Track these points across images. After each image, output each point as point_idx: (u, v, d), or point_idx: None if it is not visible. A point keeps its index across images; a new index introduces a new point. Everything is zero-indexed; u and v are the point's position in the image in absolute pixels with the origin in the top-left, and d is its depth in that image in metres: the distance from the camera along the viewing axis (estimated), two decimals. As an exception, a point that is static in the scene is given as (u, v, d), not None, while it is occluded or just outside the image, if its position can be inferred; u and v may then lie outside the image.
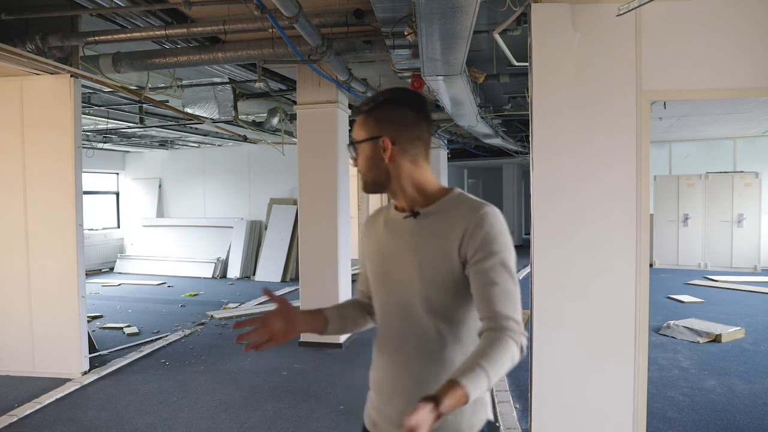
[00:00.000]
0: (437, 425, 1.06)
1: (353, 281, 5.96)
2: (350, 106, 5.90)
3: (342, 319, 1.53)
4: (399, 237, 1.36)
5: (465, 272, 1.26)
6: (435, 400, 1.05)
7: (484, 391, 1.13)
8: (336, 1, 3.94)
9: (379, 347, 1.41)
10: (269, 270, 9.44)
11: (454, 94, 4.79)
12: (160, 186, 11.30)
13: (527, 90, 3.18)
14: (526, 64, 3.00)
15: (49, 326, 4.45)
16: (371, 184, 1.37)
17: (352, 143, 1.36)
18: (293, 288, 8.40)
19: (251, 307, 7.19)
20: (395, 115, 1.33)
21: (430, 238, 1.29)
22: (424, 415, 1.03)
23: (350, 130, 1.46)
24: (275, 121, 7.24)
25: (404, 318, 1.32)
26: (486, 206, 1.27)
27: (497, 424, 3.53)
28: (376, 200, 12.05)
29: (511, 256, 1.25)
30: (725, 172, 9.91)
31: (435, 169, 10.43)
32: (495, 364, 1.13)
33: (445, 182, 10.71)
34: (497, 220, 1.26)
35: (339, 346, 5.25)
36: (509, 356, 1.16)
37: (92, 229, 10.62)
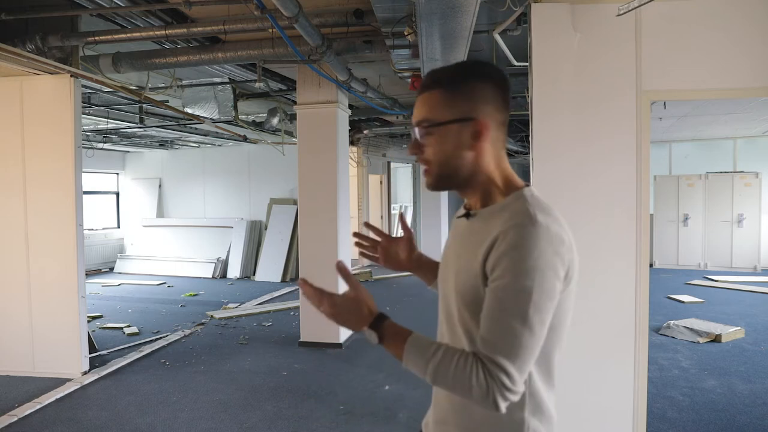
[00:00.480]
0: None
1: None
2: (350, 106, 5.90)
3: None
4: (454, 239, 1.20)
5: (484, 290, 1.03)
6: (379, 320, 1.06)
7: (418, 370, 1.02)
8: (336, 1, 3.94)
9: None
10: (269, 270, 9.44)
11: (454, 94, 4.79)
12: (160, 186, 11.31)
13: (527, 90, 3.18)
14: (526, 64, 3.00)
15: (50, 326, 4.45)
16: (444, 179, 1.12)
17: (429, 124, 1.09)
18: (293, 288, 8.40)
19: (251, 307, 7.19)
20: (490, 94, 1.08)
21: (469, 247, 1.08)
22: (349, 315, 1.07)
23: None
24: (275, 121, 7.25)
25: (447, 327, 1.16)
26: (531, 222, 0.99)
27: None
28: (376, 202, 12.06)
29: (533, 290, 0.95)
30: (725, 172, 9.92)
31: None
32: (443, 367, 0.98)
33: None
34: (535, 239, 0.97)
35: (339, 346, 5.26)
36: (465, 382, 0.95)
37: (92, 229, 10.62)
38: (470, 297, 1.05)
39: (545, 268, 0.96)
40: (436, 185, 1.13)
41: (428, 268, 1.39)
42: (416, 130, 1.11)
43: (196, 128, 8.21)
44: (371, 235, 1.44)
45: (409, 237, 1.37)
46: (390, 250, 1.36)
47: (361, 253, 1.40)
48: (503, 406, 0.94)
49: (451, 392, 1.01)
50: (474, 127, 1.07)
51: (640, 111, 2.82)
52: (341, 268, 1.15)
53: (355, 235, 1.38)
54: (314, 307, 1.11)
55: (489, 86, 1.09)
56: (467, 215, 1.15)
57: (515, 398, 0.95)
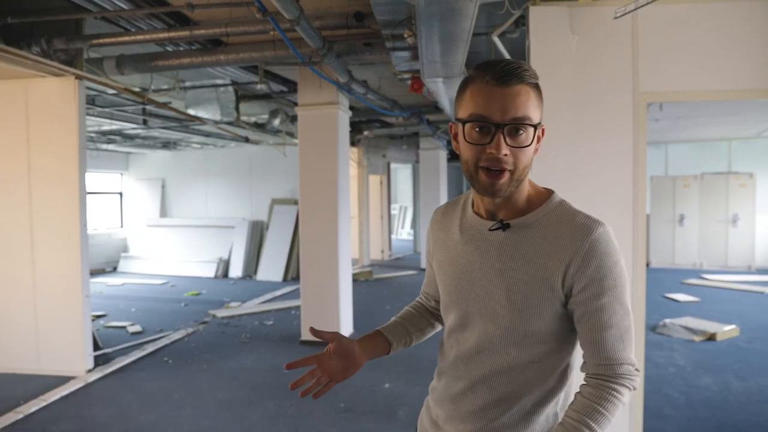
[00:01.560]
0: None
1: (354, 281, 6.01)
2: (351, 107, 5.95)
3: (407, 335, 1.34)
4: (482, 251, 1.11)
5: (568, 306, 1.05)
6: None
7: None
8: (337, 4, 3.98)
9: (444, 367, 1.23)
10: (270, 269, 9.48)
11: (454, 96, 4.83)
12: (163, 186, 11.35)
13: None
14: (524, 66, 3.04)
15: (54, 325, 4.50)
16: (518, 182, 1.05)
17: (530, 124, 1.01)
18: (294, 287, 8.45)
19: (253, 306, 7.23)
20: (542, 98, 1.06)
21: (523, 259, 1.06)
22: None
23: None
24: (276, 122, 7.29)
25: (480, 343, 1.13)
26: (598, 227, 1.03)
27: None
28: (376, 202, 12.10)
29: (626, 288, 1.04)
30: (720, 173, 9.97)
31: (435, 169, 10.49)
32: (603, 421, 0.99)
33: (444, 183, 10.75)
34: (611, 246, 1.02)
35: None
36: (619, 405, 1.01)
37: (96, 229, 10.67)
38: (536, 310, 1.05)
39: (621, 262, 1.04)
40: (509, 190, 1.05)
41: (376, 346, 1.30)
42: (508, 127, 1.00)
43: (198, 129, 8.25)
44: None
45: (337, 339, 1.21)
46: (332, 365, 1.20)
47: (306, 394, 1.21)
48: (636, 387, 1.05)
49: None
50: (540, 133, 1.06)
51: (637, 112, 2.86)
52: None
53: (295, 386, 1.19)
54: None
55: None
56: (504, 227, 1.09)
57: (639, 376, 1.06)
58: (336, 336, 1.21)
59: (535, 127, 1.02)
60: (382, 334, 1.31)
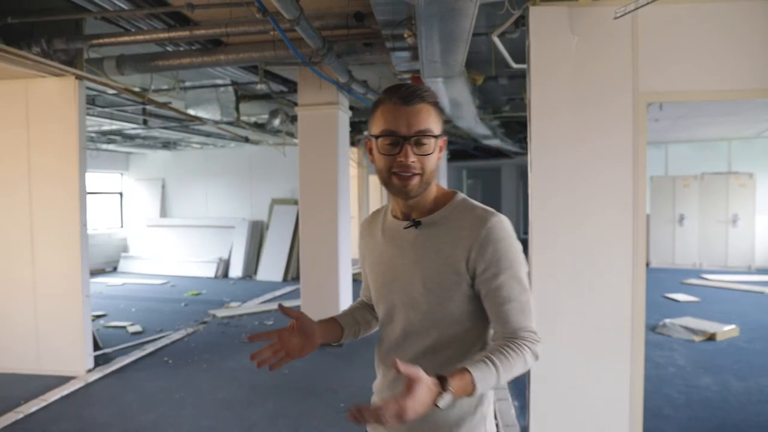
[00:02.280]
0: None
1: (354, 280, 6.01)
2: (351, 107, 5.95)
3: (356, 324, 1.49)
4: (399, 248, 1.29)
5: (474, 286, 1.22)
6: (441, 379, 1.02)
7: (491, 386, 1.11)
8: (337, 4, 3.98)
9: (380, 356, 1.38)
10: (270, 269, 9.49)
11: (454, 96, 4.84)
12: (163, 186, 11.35)
13: (525, 91, 3.23)
14: (525, 66, 3.05)
15: (54, 325, 4.50)
16: (427, 185, 1.23)
17: (432, 135, 1.20)
18: (294, 287, 8.45)
19: (253, 306, 7.24)
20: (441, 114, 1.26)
21: (434, 251, 1.23)
22: (423, 397, 0.98)
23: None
24: (276, 122, 7.29)
25: (406, 329, 1.28)
26: (493, 216, 1.21)
27: (496, 422, 3.58)
28: (376, 202, 12.10)
29: (522, 266, 1.21)
30: (720, 173, 9.96)
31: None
32: (506, 363, 1.12)
33: (444, 183, 10.76)
34: (505, 231, 1.20)
35: (340, 345, 5.27)
36: (522, 360, 1.15)
37: (96, 229, 10.67)
38: (447, 294, 1.22)
39: (517, 246, 1.22)
40: (419, 192, 1.22)
41: (331, 331, 1.41)
42: (414, 139, 1.18)
43: (198, 129, 8.25)
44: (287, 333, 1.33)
45: (301, 318, 1.32)
46: (292, 342, 1.29)
47: (263, 365, 1.29)
48: (539, 354, 1.20)
49: (512, 377, 1.17)
50: (441, 143, 1.24)
51: (637, 112, 2.86)
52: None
53: (254, 357, 1.28)
54: (387, 423, 0.98)
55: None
56: (416, 225, 1.26)
57: (540, 344, 1.21)
58: (301, 315, 1.33)
59: (436, 137, 1.20)
60: (336, 321, 1.45)
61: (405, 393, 0.98)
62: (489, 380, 1.09)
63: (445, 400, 1.02)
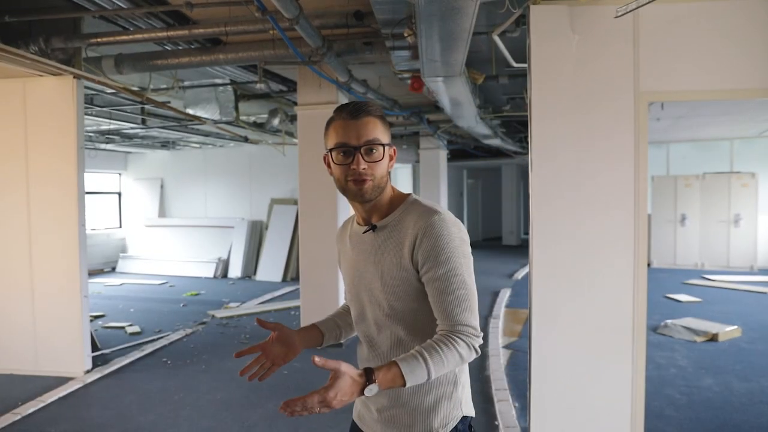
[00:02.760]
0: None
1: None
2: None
3: (336, 328, 1.58)
4: (362, 251, 1.41)
5: (420, 279, 1.30)
6: (368, 374, 1.14)
7: (422, 378, 1.19)
8: (336, 3, 3.97)
9: (360, 353, 1.49)
10: (270, 270, 9.47)
11: (454, 95, 4.82)
12: (161, 186, 11.34)
13: (526, 91, 3.21)
14: (525, 65, 3.03)
15: (52, 325, 4.48)
16: (377, 190, 1.34)
17: (379, 144, 1.32)
18: (293, 287, 8.43)
19: (252, 307, 7.22)
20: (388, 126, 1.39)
21: (387, 250, 1.34)
22: (347, 387, 1.12)
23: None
24: (276, 121, 7.28)
25: (376, 325, 1.39)
26: (435, 214, 1.29)
27: (496, 423, 3.56)
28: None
29: (462, 262, 1.27)
30: (722, 173, 9.95)
31: (435, 169, 10.47)
32: (437, 357, 1.20)
33: (444, 183, 10.75)
34: (445, 228, 1.27)
35: (339, 345, 5.27)
36: (456, 354, 1.23)
37: (94, 229, 10.66)
38: (402, 289, 1.32)
39: (459, 242, 1.28)
40: (372, 195, 1.33)
41: (311, 337, 1.52)
42: (364, 148, 1.30)
43: (197, 129, 8.23)
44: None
45: (279, 329, 1.42)
46: (275, 352, 1.40)
47: (253, 378, 1.41)
48: (479, 348, 1.28)
49: (446, 371, 1.25)
50: (391, 152, 1.36)
51: (638, 112, 2.85)
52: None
53: (243, 372, 1.39)
54: (315, 411, 1.15)
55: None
56: (372, 229, 1.37)
57: (481, 340, 1.29)
58: (278, 326, 1.43)
59: (384, 146, 1.32)
60: (316, 327, 1.55)
61: (327, 385, 1.12)
62: (418, 373, 1.18)
63: (371, 390, 1.14)
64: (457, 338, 1.24)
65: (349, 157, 1.30)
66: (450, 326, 1.25)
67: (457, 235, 1.29)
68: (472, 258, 1.33)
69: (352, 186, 1.31)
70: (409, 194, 1.40)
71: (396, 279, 1.32)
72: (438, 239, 1.26)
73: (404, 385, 1.17)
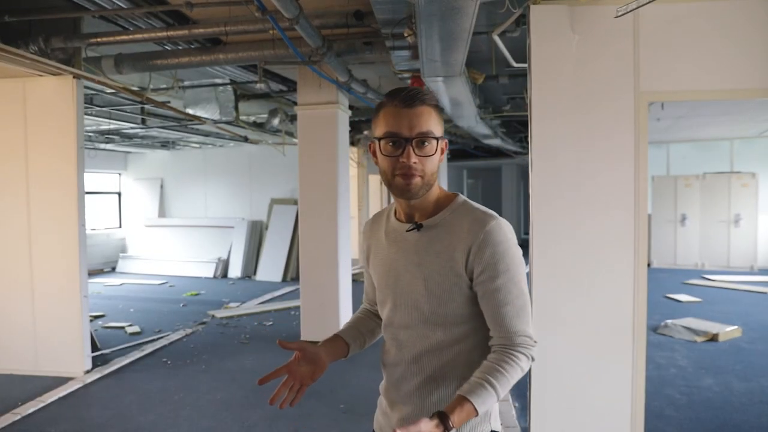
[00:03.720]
0: None
1: (354, 281, 5.99)
2: (351, 107, 5.93)
3: (361, 336, 1.49)
4: (402, 250, 1.30)
5: (473, 288, 1.23)
6: (442, 416, 1.07)
7: (492, 404, 1.16)
8: (336, 3, 3.97)
9: (385, 356, 1.39)
10: (270, 270, 9.47)
11: (454, 95, 4.82)
12: (161, 186, 11.33)
13: (526, 91, 3.21)
14: (525, 65, 3.03)
15: (52, 325, 4.48)
16: (427, 186, 1.24)
17: (432, 137, 1.21)
18: (293, 287, 8.43)
19: (252, 307, 7.22)
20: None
21: (434, 252, 1.25)
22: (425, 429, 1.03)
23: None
24: (276, 121, 7.28)
25: (409, 329, 1.30)
26: (492, 219, 1.22)
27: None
28: (376, 202, 12.09)
29: (520, 270, 1.22)
30: (722, 173, 9.95)
31: (435, 169, 10.46)
32: (503, 379, 1.16)
33: (444, 183, 10.75)
34: (504, 235, 1.21)
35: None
36: (518, 369, 1.19)
37: (94, 229, 10.65)
38: (449, 295, 1.24)
39: (516, 249, 1.23)
40: (422, 191, 1.24)
41: (336, 349, 1.44)
42: (416, 140, 1.20)
43: (197, 129, 8.23)
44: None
45: (303, 347, 1.35)
46: (301, 372, 1.33)
47: (285, 404, 1.31)
48: (534, 357, 1.23)
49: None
50: (443, 145, 1.26)
51: (638, 112, 2.85)
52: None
53: (273, 400, 1.29)
54: None
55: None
56: (418, 228, 1.28)
57: (536, 348, 1.23)
58: (302, 345, 1.35)
59: (437, 139, 1.22)
60: (341, 338, 1.46)
61: None
62: (489, 401, 1.14)
63: None
64: (516, 352, 1.19)
65: (398, 149, 1.20)
66: (507, 338, 1.20)
67: (513, 241, 1.23)
68: (524, 262, 1.26)
69: (400, 181, 1.22)
70: (456, 194, 1.32)
71: (444, 284, 1.24)
72: (497, 246, 1.20)
73: (476, 415, 1.14)
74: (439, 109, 1.26)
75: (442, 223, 1.26)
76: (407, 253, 1.29)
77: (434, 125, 1.22)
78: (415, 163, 1.20)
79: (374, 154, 1.27)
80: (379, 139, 1.23)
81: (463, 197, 1.31)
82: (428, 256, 1.26)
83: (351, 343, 1.46)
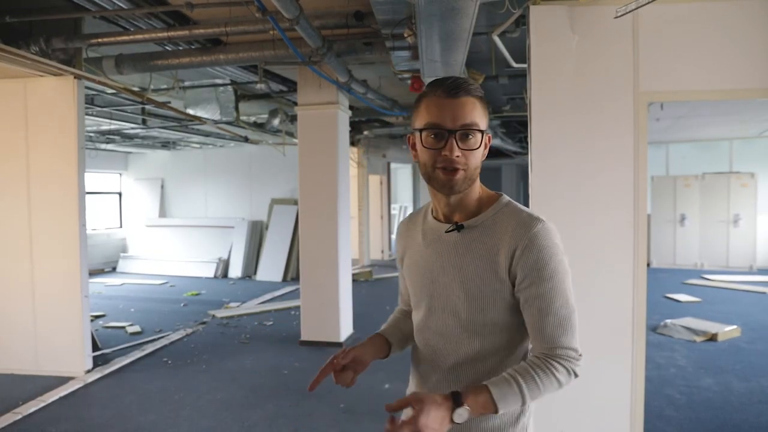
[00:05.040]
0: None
1: (354, 281, 6.00)
2: (351, 107, 5.94)
3: (404, 338, 1.43)
4: (440, 251, 1.23)
5: (515, 293, 1.16)
6: (456, 397, 1.03)
7: (514, 406, 1.08)
8: (336, 3, 3.97)
9: (417, 362, 1.33)
10: (270, 270, 9.47)
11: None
12: (162, 186, 11.34)
13: (526, 91, 3.21)
14: (525, 65, 3.03)
15: (53, 325, 4.48)
16: (469, 181, 1.17)
17: (477, 129, 1.15)
18: (294, 287, 8.44)
19: (252, 307, 7.22)
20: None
21: (476, 255, 1.18)
22: (436, 413, 1.00)
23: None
24: (276, 121, 7.28)
25: (445, 336, 1.23)
26: (538, 222, 1.15)
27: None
28: (376, 202, 12.09)
29: (565, 278, 1.14)
30: (721, 173, 9.96)
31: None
32: (533, 383, 1.08)
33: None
34: (550, 239, 1.14)
35: (339, 344, 5.29)
36: (554, 380, 1.10)
37: (95, 229, 10.66)
38: (490, 300, 1.17)
39: (562, 256, 1.15)
40: (463, 187, 1.17)
41: (378, 348, 1.38)
42: (459, 133, 1.13)
43: (198, 129, 8.24)
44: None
45: (350, 356, 1.30)
46: (344, 376, 1.31)
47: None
48: (578, 372, 1.13)
49: (543, 398, 1.12)
50: (487, 139, 1.19)
51: (638, 112, 2.85)
52: (391, 408, 1.12)
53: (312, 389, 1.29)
54: None
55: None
56: (458, 228, 1.20)
57: (582, 363, 1.14)
58: (347, 353, 1.29)
59: (482, 132, 1.15)
60: (383, 337, 1.40)
61: (415, 413, 1.00)
62: (511, 400, 1.07)
63: (461, 416, 1.02)
64: (555, 363, 1.10)
65: (440, 141, 1.14)
66: (548, 349, 1.12)
67: (560, 247, 1.15)
68: (570, 271, 1.17)
69: (441, 175, 1.15)
70: (501, 194, 1.25)
71: (485, 289, 1.16)
72: (542, 251, 1.12)
73: (496, 411, 1.05)
74: (485, 101, 1.19)
75: (485, 223, 1.19)
76: (446, 255, 1.22)
77: (479, 117, 1.15)
78: (458, 156, 1.13)
79: (413, 147, 1.21)
80: (421, 131, 1.17)
81: (507, 197, 1.24)
82: (469, 259, 1.18)
83: (393, 344, 1.40)
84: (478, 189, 1.22)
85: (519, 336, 1.20)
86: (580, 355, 1.14)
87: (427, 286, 1.25)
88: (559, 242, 1.16)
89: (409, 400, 1.04)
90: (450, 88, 1.14)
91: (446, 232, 1.22)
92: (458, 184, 1.15)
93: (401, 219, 17.34)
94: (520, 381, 1.07)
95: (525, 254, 1.12)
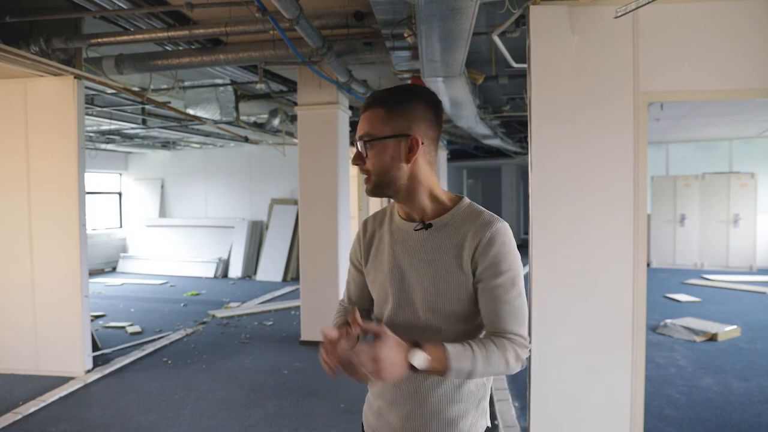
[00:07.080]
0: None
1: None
2: (351, 107, 5.94)
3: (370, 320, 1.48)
4: (409, 249, 1.31)
5: (474, 284, 1.25)
6: (416, 344, 1.09)
7: (465, 370, 1.12)
8: (336, 3, 3.97)
9: None
10: (270, 270, 9.48)
11: (454, 96, 4.82)
12: (162, 186, 11.34)
13: (526, 91, 3.21)
14: (525, 65, 3.04)
15: (53, 325, 4.48)
16: (382, 187, 1.28)
17: (370, 139, 1.25)
18: (294, 287, 8.44)
19: (252, 307, 7.23)
20: (423, 114, 1.27)
21: (444, 251, 1.27)
22: (397, 349, 1.06)
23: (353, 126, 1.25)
24: (276, 122, 7.28)
25: (411, 328, 1.29)
26: (498, 222, 1.25)
27: (496, 423, 3.57)
28: (376, 202, 12.10)
29: (519, 272, 1.25)
30: (721, 173, 9.96)
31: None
32: (484, 353, 1.14)
33: (444, 183, 10.77)
34: (507, 237, 1.24)
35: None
36: (503, 359, 1.17)
37: (95, 229, 10.66)
38: (455, 293, 1.26)
39: (516, 252, 1.26)
40: (374, 192, 1.29)
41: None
42: (359, 143, 1.26)
43: (198, 129, 8.24)
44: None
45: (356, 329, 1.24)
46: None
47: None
48: (524, 360, 1.22)
49: (489, 375, 1.21)
50: (409, 143, 1.25)
51: (638, 112, 2.85)
52: (356, 320, 1.14)
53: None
54: (361, 378, 1.11)
55: (422, 107, 1.27)
56: (427, 227, 1.29)
57: (528, 352, 1.24)
58: (380, 330, 1.30)
59: (381, 139, 1.23)
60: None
61: (376, 343, 1.06)
62: (463, 362, 1.12)
63: (418, 358, 1.08)
64: (507, 344, 1.19)
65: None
66: (502, 333, 1.21)
67: (515, 246, 1.26)
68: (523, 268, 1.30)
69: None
70: (462, 196, 1.34)
71: (452, 282, 1.25)
72: (502, 247, 1.23)
73: (444, 371, 1.11)
74: (400, 105, 1.25)
75: (451, 223, 1.29)
76: (415, 252, 1.30)
77: (379, 126, 1.24)
78: (358, 164, 1.27)
79: None
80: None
81: (468, 200, 1.33)
82: (437, 255, 1.27)
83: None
84: (426, 189, 1.30)
85: (476, 325, 1.29)
86: (529, 345, 1.24)
87: (396, 281, 1.32)
88: (513, 240, 1.27)
89: (376, 330, 1.09)
90: (366, 102, 1.28)
91: (415, 230, 1.31)
92: (369, 189, 1.29)
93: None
94: (474, 348, 1.14)
95: (486, 249, 1.22)
